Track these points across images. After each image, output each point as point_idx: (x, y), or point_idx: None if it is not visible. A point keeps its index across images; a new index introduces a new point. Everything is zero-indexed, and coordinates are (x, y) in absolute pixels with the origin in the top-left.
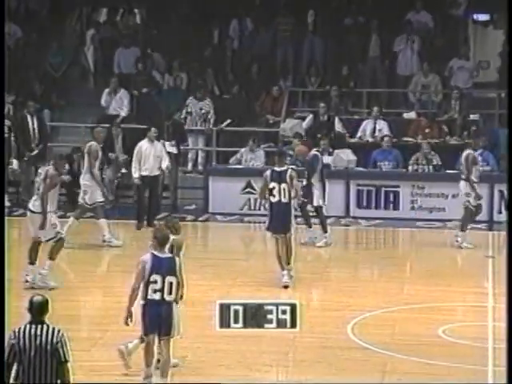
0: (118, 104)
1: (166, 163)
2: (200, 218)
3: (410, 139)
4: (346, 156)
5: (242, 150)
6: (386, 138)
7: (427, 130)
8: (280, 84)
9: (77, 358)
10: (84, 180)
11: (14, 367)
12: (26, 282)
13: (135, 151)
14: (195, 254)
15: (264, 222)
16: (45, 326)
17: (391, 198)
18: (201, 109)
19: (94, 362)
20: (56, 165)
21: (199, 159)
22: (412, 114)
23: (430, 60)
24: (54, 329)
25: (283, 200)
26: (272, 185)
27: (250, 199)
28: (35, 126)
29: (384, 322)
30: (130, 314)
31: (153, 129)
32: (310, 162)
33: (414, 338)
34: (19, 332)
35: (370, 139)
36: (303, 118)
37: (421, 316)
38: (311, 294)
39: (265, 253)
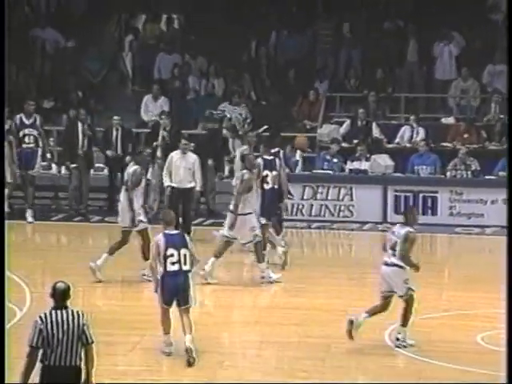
0: (158, 111)
1: (198, 184)
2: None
3: (448, 144)
4: (384, 161)
5: None
6: (421, 143)
7: (466, 135)
8: (317, 89)
9: (115, 361)
10: (234, 184)
11: (40, 351)
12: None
13: (167, 161)
14: (231, 259)
15: (301, 228)
16: (70, 311)
17: (429, 204)
18: (240, 114)
19: (131, 366)
20: (250, 168)
21: None
22: (450, 119)
23: (468, 65)
24: (78, 312)
25: (275, 186)
26: (265, 172)
27: (286, 204)
28: (85, 133)
29: (421, 329)
30: (157, 284)
31: (183, 140)
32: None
33: (452, 345)
34: (46, 317)
35: (408, 145)
36: (340, 124)
37: (459, 323)
38: (348, 299)
39: (302, 258)
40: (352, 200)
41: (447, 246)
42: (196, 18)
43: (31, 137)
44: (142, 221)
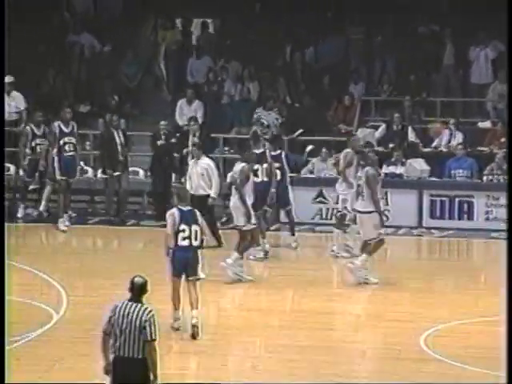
0: (193, 115)
1: (213, 191)
2: (271, 228)
3: (485, 149)
4: (419, 166)
5: (314, 159)
6: (459, 146)
7: (503, 140)
8: (352, 93)
9: None
10: (340, 189)
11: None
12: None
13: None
14: (265, 264)
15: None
16: (139, 305)
17: (465, 209)
18: (277, 118)
19: (163, 369)
20: (373, 164)
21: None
22: (487, 124)
23: (505, 67)
24: (145, 308)
25: (265, 179)
26: (256, 166)
27: (321, 209)
28: (122, 139)
29: (458, 335)
30: (168, 252)
31: (193, 146)
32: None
33: (489, 351)
34: (117, 307)
35: (444, 149)
36: (376, 128)
37: (496, 329)
38: (384, 304)
39: (336, 263)
40: (387, 204)
41: (483, 251)
42: (231, 22)
43: (71, 145)
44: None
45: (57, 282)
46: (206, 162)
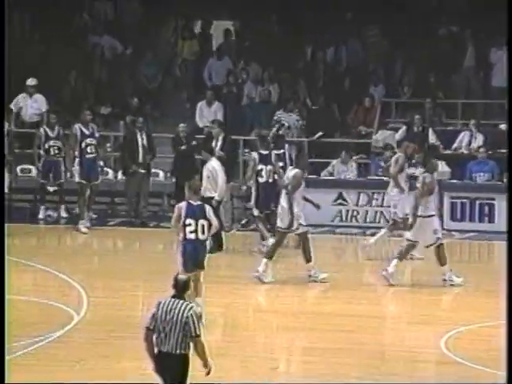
0: (212, 117)
1: (217, 193)
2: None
3: (506, 151)
4: (440, 168)
5: (334, 161)
6: (481, 149)
7: None
8: (373, 95)
9: None
10: (391, 193)
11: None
12: (386, 278)
13: None
14: (287, 265)
15: (356, 234)
16: (181, 301)
17: (486, 211)
18: (297, 120)
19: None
20: (431, 171)
21: None
22: None
23: None
24: (187, 304)
25: (270, 180)
26: (260, 166)
27: (341, 211)
28: (144, 141)
29: (479, 337)
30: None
31: (203, 150)
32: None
33: None
34: (160, 304)
35: (465, 151)
36: (396, 130)
37: None
38: (404, 306)
39: (356, 265)
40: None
41: (505, 254)
42: (251, 24)
43: (92, 147)
44: (301, 224)
45: (77, 283)
46: (212, 164)
